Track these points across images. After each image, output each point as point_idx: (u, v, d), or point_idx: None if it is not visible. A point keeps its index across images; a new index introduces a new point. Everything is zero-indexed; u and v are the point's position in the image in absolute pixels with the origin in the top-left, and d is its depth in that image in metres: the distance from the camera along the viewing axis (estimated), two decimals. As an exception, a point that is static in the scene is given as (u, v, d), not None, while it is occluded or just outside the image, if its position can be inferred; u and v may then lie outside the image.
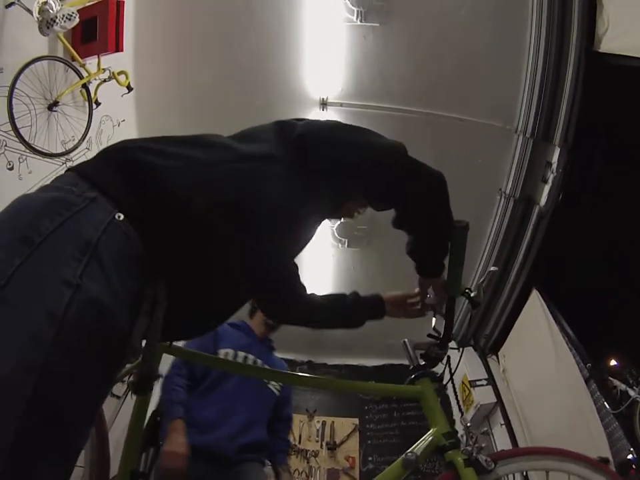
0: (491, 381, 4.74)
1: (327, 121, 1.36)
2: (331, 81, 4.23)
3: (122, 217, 0.84)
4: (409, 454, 1.17)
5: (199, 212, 0.93)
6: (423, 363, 1.43)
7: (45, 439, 0.66)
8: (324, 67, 4.14)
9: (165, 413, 2.10)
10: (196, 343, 2.21)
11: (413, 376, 1.38)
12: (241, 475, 2.21)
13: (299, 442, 5.27)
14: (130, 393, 1.15)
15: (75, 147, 3.38)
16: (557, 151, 3.75)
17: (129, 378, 1.23)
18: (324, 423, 5.50)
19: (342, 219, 1.65)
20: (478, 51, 3.88)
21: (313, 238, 1.32)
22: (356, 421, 5.56)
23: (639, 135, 3.01)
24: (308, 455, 5.13)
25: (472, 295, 1.43)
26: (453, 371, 1.51)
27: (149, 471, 1.30)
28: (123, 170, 0.92)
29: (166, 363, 2.03)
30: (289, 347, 6.34)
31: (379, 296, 1.64)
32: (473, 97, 4.13)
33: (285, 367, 2.80)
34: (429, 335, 1.48)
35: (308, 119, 1.28)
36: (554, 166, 3.79)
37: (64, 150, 3.30)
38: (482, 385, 4.79)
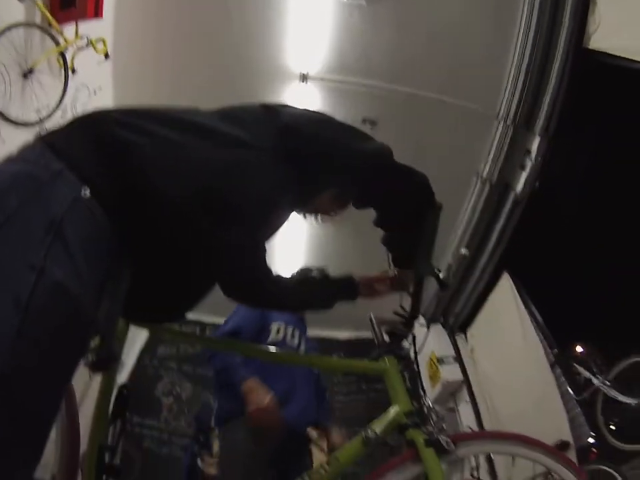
0: (458, 358, 4.87)
1: (313, 113, 1.30)
2: (313, 56, 4.13)
3: (88, 192, 0.80)
4: (369, 432, 1.18)
5: (171, 198, 0.90)
6: (388, 340, 1.43)
7: (12, 430, 0.65)
8: (307, 41, 4.04)
9: (231, 378, 2.10)
10: (245, 318, 2.29)
11: (377, 352, 1.38)
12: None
13: (269, 412, 5.34)
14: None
15: (49, 116, 3.25)
16: (537, 140, 3.78)
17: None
18: (293, 394, 5.58)
19: (318, 216, 1.61)
20: (466, 35, 3.83)
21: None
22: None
23: (620, 133, 3.06)
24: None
25: (441, 276, 1.43)
26: (417, 350, 1.52)
27: (116, 445, 1.28)
28: (95, 144, 0.88)
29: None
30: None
31: (351, 277, 1.59)
32: (457, 79, 4.09)
33: (315, 346, 2.87)
34: (395, 313, 1.50)
35: (294, 108, 1.26)
36: (533, 154, 3.82)
37: (38, 118, 3.17)
38: (449, 363, 4.92)
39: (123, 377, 5.16)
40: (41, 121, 3.19)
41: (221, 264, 1.08)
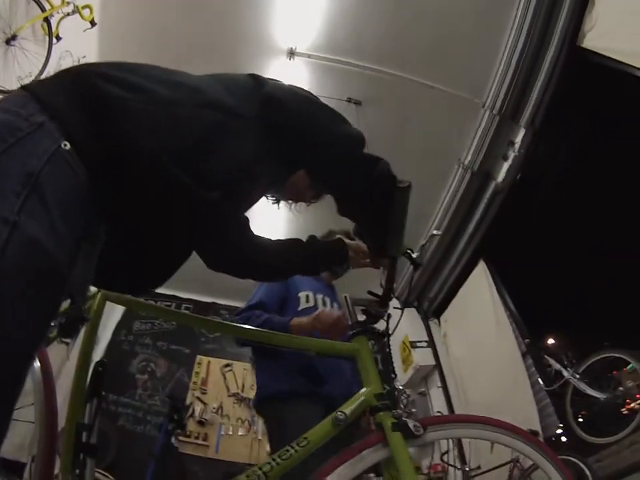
0: (431, 343, 4.95)
1: (300, 90, 1.26)
2: (302, 31, 4.03)
3: (68, 146, 0.77)
4: (339, 413, 1.16)
5: (153, 154, 0.88)
6: (363, 320, 1.41)
7: None
8: (297, 15, 3.92)
9: (275, 325, 2.02)
10: (267, 292, 2.24)
11: (350, 333, 1.36)
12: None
13: (242, 390, 5.37)
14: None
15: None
16: (522, 132, 3.81)
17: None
18: (267, 372, 5.61)
19: (292, 204, 1.61)
20: (459, 20, 3.78)
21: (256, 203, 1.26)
22: (298, 371, 5.71)
23: (605, 131, 3.09)
24: (251, 404, 5.24)
25: (413, 255, 1.42)
26: (390, 331, 1.50)
27: (93, 422, 1.26)
28: (80, 96, 0.85)
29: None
30: (235, 296, 6.37)
31: (342, 241, 1.49)
32: (446, 65, 4.06)
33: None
34: (370, 292, 1.47)
35: (281, 82, 1.23)
36: (517, 145, 3.86)
37: (20, 86, 3.03)
38: (422, 347, 4.99)
39: (98, 352, 5.12)
40: (23, 89, 3.08)
41: (199, 227, 1.04)
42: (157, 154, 0.88)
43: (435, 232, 1.81)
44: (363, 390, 1.24)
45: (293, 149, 1.15)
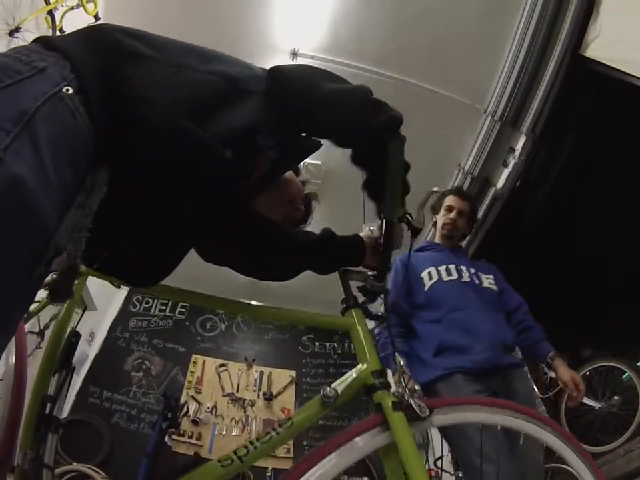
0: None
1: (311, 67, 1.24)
2: (305, 32, 4.04)
3: (71, 90, 0.73)
4: (329, 390, 1.02)
5: (166, 108, 0.86)
6: (362, 298, 1.30)
7: None
8: (301, 16, 3.93)
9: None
10: (392, 285, 2.25)
11: (343, 307, 1.25)
12: (511, 384, 2.09)
13: (237, 390, 5.37)
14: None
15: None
16: (523, 139, 3.81)
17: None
18: (262, 373, 5.62)
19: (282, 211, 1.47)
20: (462, 25, 3.79)
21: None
22: (293, 373, 5.72)
23: (605, 141, 3.09)
24: (245, 404, 5.25)
25: (412, 220, 1.28)
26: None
27: (58, 394, 1.16)
28: (97, 44, 0.84)
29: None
30: (232, 295, 6.37)
31: (359, 237, 1.39)
32: (448, 70, 4.07)
33: (493, 268, 2.53)
34: (366, 265, 1.34)
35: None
36: (517, 152, 3.86)
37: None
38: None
39: (94, 349, 5.12)
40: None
41: (211, 189, 1.00)
42: (169, 109, 0.86)
43: (434, 189, 1.83)
44: (358, 367, 1.11)
45: (299, 115, 1.13)
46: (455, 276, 2.31)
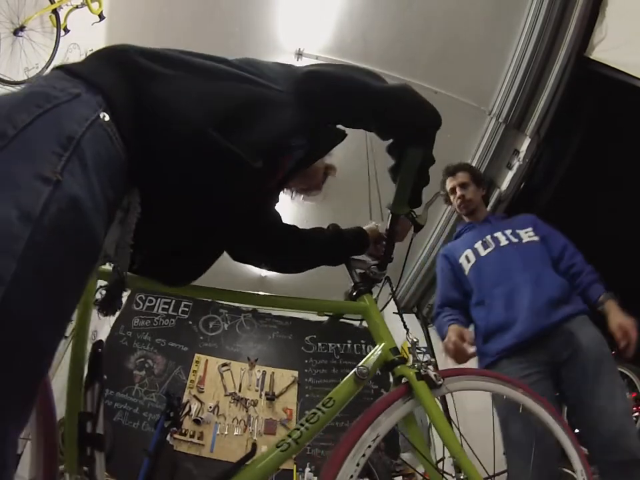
0: (429, 350, 4.93)
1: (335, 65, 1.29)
2: (310, 33, 4.05)
3: (107, 117, 0.77)
4: (361, 367, 1.16)
5: (197, 122, 0.88)
6: (361, 282, 1.41)
7: (13, 359, 0.58)
8: (306, 17, 3.94)
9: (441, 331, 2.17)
10: (440, 287, 2.35)
11: (355, 292, 1.37)
12: (572, 339, 1.97)
13: (239, 390, 5.37)
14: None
15: (38, 75, 3.14)
16: (527, 141, 3.81)
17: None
18: (264, 373, 5.62)
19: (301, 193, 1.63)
20: (467, 27, 3.79)
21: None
22: (295, 373, 5.71)
23: (610, 144, 3.08)
24: (247, 404, 5.25)
25: (416, 217, 1.41)
26: (394, 293, 1.53)
27: (97, 410, 1.17)
28: (117, 68, 0.86)
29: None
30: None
31: (362, 230, 1.56)
32: (453, 71, 4.06)
33: (531, 218, 2.46)
34: (369, 254, 1.50)
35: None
36: (521, 155, 3.85)
37: (26, 77, 3.06)
38: (420, 353, 4.98)
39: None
40: (29, 80, 3.08)
41: (243, 197, 1.06)
42: (200, 123, 0.88)
43: (442, 192, 1.82)
44: (378, 345, 1.24)
45: (331, 110, 1.16)
46: (492, 246, 2.30)
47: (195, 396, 5.19)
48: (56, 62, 3.30)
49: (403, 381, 1.18)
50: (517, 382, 1.40)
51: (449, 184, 2.64)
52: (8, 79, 2.89)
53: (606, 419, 1.79)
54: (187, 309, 6.09)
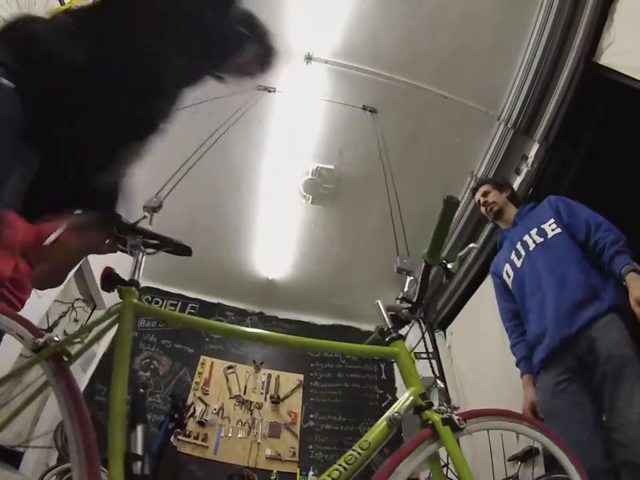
0: (435, 355, 4.91)
1: None
2: (320, 36, 4.05)
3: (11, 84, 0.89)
4: (395, 414, 1.20)
5: (77, 64, 1.00)
6: (394, 327, 1.45)
7: None
8: (315, 21, 3.94)
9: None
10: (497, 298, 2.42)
11: (387, 338, 1.40)
12: (594, 344, 1.94)
13: (244, 393, 5.37)
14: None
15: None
16: (536, 147, 3.79)
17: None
18: (269, 376, 5.63)
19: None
20: (476, 32, 3.78)
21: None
22: (301, 377, 5.72)
23: (619, 150, 3.06)
24: (252, 407, 5.25)
25: (448, 265, 1.47)
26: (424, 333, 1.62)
27: (145, 451, 1.11)
28: (8, 38, 0.99)
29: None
30: (241, 298, 6.41)
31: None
32: (462, 76, 4.06)
33: (552, 205, 2.40)
34: (402, 299, 1.52)
35: None
36: (530, 160, 3.83)
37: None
38: (425, 358, 4.97)
39: (102, 347, 5.15)
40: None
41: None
42: (81, 62, 1.03)
43: (472, 245, 1.87)
44: (409, 390, 1.29)
45: None
46: (523, 254, 2.32)
47: (199, 398, 5.20)
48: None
49: (428, 423, 1.23)
50: (535, 421, 1.47)
51: (476, 198, 2.73)
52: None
53: (622, 423, 1.80)
54: (193, 311, 6.12)
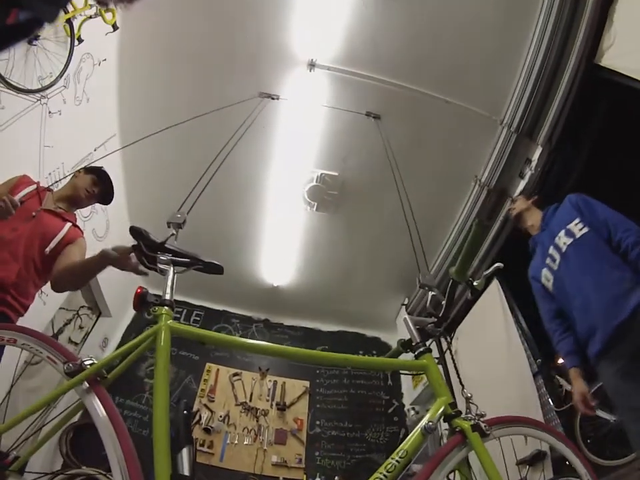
0: (442, 360, 4.89)
1: None
2: (323, 43, 4.09)
3: None
4: (429, 423, 1.28)
5: None
6: (421, 340, 1.53)
7: None
8: (318, 28, 3.98)
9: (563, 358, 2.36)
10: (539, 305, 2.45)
11: (417, 352, 1.49)
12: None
13: (250, 400, 5.36)
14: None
15: (52, 84, 3.20)
16: (539, 150, 3.79)
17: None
18: (275, 383, 5.61)
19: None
20: (477, 37, 3.80)
21: None
22: (307, 383, 5.70)
23: (620, 150, 3.06)
24: (258, 414, 5.24)
25: (474, 283, 1.60)
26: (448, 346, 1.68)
27: (193, 472, 1.05)
28: None
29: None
30: (246, 305, 6.41)
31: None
32: (464, 81, 4.08)
33: (574, 206, 2.41)
34: (429, 314, 1.62)
35: None
36: (533, 164, 3.83)
37: (40, 86, 3.10)
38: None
39: (107, 354, 5.15)
40: (43, 88, 3.12)
41: None
42: None
43: (498, 265, 1.87)
44: (439, 400, 1.37)
45: None
46: (557, 256, 2.34)
47: (205, 405, 5.19)
48: (69, 71, 3.36)
49: (457, 430, 1.31)
50: (551, 428, 1.63)
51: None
52: (22, 87, 2.92)
53: None
54: (198, 318, 6.12)
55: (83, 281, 2.27)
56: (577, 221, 2.30)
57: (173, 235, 1.71)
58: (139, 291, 1.35)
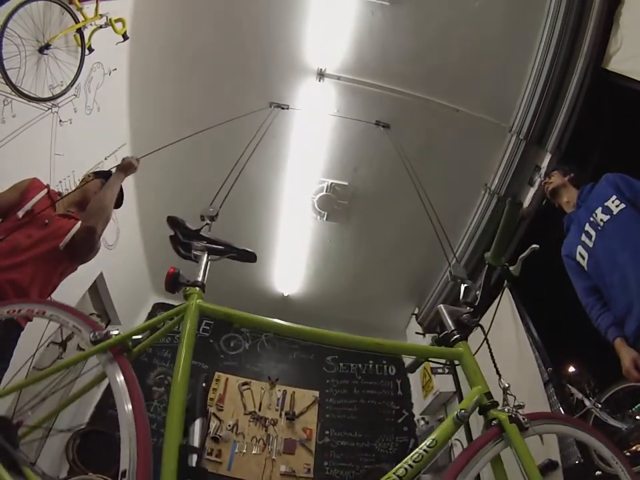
0: (452, 370, 4.85)
1: None
2: (331, 52, 4.13)
3: None
4: (462, 411, 1.21)
5: None
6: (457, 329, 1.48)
7: None
8: (327, 37, 4.02)
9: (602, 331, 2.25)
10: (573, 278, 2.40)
11: (452, 339, 1.44)
12: None
13: (259, 409, 5.34)
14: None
15: (63, 93, 3.24)
16: (548, 157, 3.78)
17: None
18: (285, 393, 5.59)
19: None
20: (485, 45, 3.82)
21: None
22: (316, 393, 5.67)
23: (630, 156, 3.03)
24: (267, 423, 5.21)
25: (510, 268, 1.55)
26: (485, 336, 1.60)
27: (202, 445, 1.08)
28: None
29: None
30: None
31: None
32: (473, 89, 4.09)
33: (611, 184, 2.40)
34: (464, 302, 1.57)
35: None
36: (543, 171, 3.82)
37: (51, 95, 3.14)
38: (442, 373, 4.92)
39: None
40: (54, 97, 3.17)
41: None
42: None
43: (534, 246, 1.86)
44: (474, 389, 1.30)
45: None
46: (593, 233, 2.31)
47: (214, 414, 5.17)
48: (80, 80, 3.41)
49: (493, 422, 1.24)
50: (593, 429, 1.46)
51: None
52: (33, 95, 2.96)
53: None
54: (208, 327, 6.12)
55: (110, 206, 2.40)
56: (613, 197, 2.28)
57: (207, 224, 1.74)
58: (171, 270, 1.35)
